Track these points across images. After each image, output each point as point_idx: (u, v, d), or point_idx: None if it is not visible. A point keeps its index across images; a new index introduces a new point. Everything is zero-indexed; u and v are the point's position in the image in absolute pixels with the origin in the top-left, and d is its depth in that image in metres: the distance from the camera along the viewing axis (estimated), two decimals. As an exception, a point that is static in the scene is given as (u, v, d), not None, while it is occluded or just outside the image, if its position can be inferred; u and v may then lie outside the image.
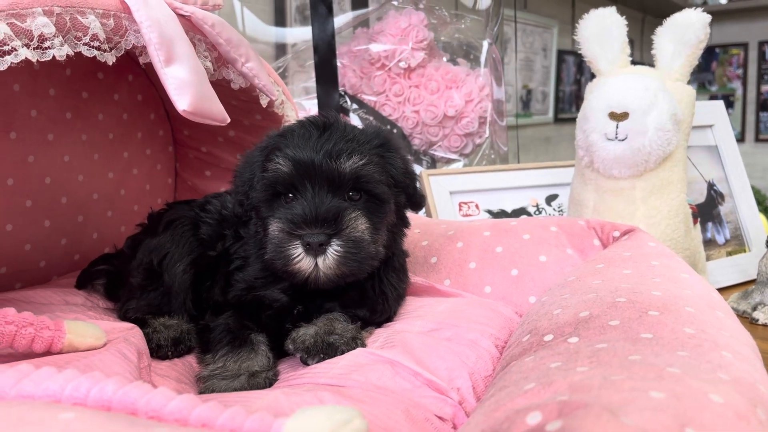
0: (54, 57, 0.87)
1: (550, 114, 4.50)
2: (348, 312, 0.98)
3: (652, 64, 1.44)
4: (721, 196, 1.66)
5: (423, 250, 1.24)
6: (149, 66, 1.00)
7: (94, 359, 0.81)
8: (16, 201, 1.21)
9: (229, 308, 1.00)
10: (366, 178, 0.93)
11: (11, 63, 0.82)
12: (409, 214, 1.10)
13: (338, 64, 1.86)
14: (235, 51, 1.10)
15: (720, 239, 1.63)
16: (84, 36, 0.91)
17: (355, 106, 1.93)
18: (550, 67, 4.41)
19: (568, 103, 4.69)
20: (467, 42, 2.10)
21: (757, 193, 2.87)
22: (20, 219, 1.22)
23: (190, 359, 1.01)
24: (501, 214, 1.71)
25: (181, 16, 1.02)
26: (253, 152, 1.01)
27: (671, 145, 1.32)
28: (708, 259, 1.55)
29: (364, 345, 0.92)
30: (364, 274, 0.94)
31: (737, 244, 1.65)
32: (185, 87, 0.98)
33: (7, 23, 0.82)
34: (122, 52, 0.98)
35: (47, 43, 0.86)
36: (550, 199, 1.75)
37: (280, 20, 2.32)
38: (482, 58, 2.08)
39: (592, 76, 1.47)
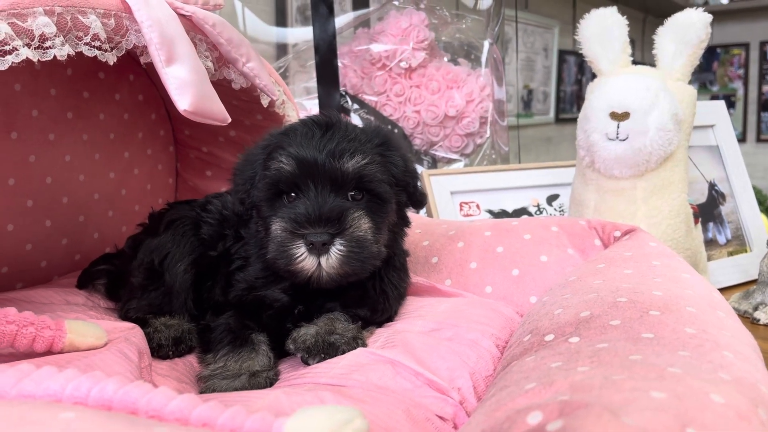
0: (55, 57, 0.87)
1: (551, 114, 4.51)
2: (349, 312, 0.98)
3: (653, 64, 1.44)
4: (723, 196, 1.66)
5: (424, 250, 1.24)
6: (150, 66, 1.00)
7: (94, 359, 0.81)
8: (17, 201, 1.21)
9: (229, 308, 1.00)
10: (368, 178, 0.93)
11: (12, 63, 0.82)
12: (410, 215, 1.10)
13: (339, 64, 1.86)
14: (236, 51, 1.10)
15: (721, 239, 1.63)
16: (85, 36, 0.91)
17: (356, 106, 1.93)
18: (551, 67, 4.41)
19: (569, 103, 4.69)
20: (468, 42, 2.10)
21: (758, 193, 2.88)
22: (21, 219, 1.22)
23: (191, 359, 1.01)
24: (502, 214, 1.71)
25: (182, 16, 1.02)
26: (254, 150, 1.01)
27: (672, 145, 1.32)
28: (709, 259, 1.55)
29: (365, 345, 0.92)
30: (367, 273, 0.94)
31: (738, 244, 1.65)
32: (186, 87, 0.98)
33: (8, 23, 0.82)
34: (123, 52, 0.98)
35: (48, 43, 0.86)
36: (551, 199, 1.75)
37: (281, 20, 2.32)
38: (483, 58, 2.08)
39: (593, 76, 1.47)
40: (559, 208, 1.74)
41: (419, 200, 1.04)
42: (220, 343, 0.94)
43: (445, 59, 2.04)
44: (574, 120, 1.46)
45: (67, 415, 0.47)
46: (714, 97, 5.87)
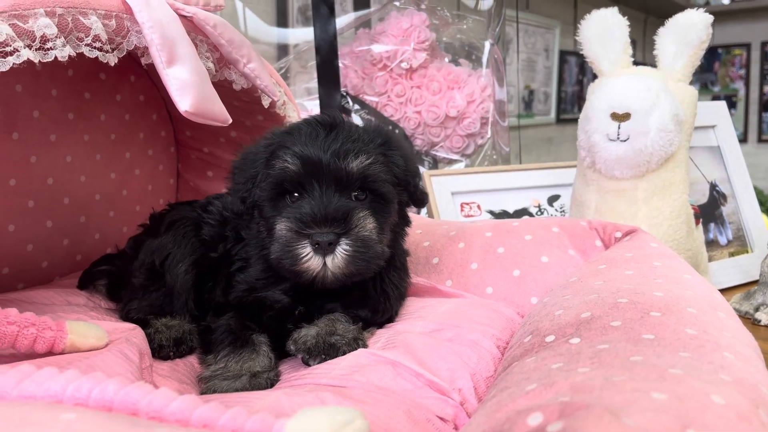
0: (56, 58, 0.87)
1: (552, 114, 4.50)
2: (349, 312, 0.98)
3: (654, 65, 1.44)
4: (724, 196, 1.66)
5: (425, 250, 1.24)
6: (151, 67, 1.00)
7: (95, 360, 0.81)
8: (19, 201, 1.21)
9: (230, 309, 1.00)
10: (372, 178, 0.93)
11: (13, 64, 0.82)
12: (411, 215, 1.10)
13: (340, 64, 1.86)
14: (236, 52, 1.10)
15: (722, 240, 1.63)
16: (86, 37, 0.91)
17: (356, 106, 1.94)
18: (552, 68, 4.41)
19: (570, 104, 4.68)
20: (469, 42, 2.10)
21: (759, 193, 2.87)
22: (22, 219, 1.22)
23: (192, 360, 1.01)
24: (503, 214, 1.71)
25: (182, 17, 1.02)
26: (255, 149, 1.00)
27: (673, 146, 1.32)
28: (710, 259, 1.55)
29: (365, 346, 0.92)
30: (371, 273, 0.94)
31: (739, 244, 1.65)
32: (187, 88, 0.98)
33: (9, 24, 0.82)
34: (124, 53, 0.98)
35: (49, 44, 0.87)
36: (552, 199, 1.75)
37: (282, 21, 2.33)
38: (484, 59, 2.08)
39: (594, 76, 1.47)
40: (560, 208, 1.74)
41: (420, 199, 1.04)
42: (221, 344, 0.94)
43: (446, 60, 2.04)
44: (575, 120, 1.46)
45: (68, 416, 0.47)
46: (715, 98, 5.86)
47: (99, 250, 1.37)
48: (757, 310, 1.34)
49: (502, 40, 2.20)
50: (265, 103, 1.21)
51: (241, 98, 1.24)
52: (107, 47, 0.94)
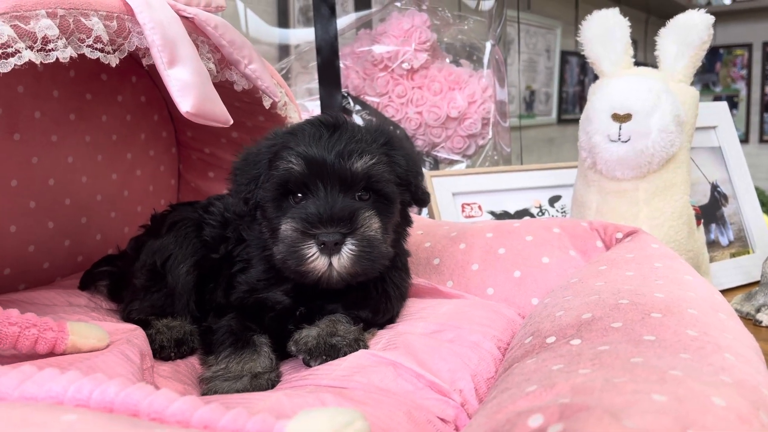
0: (57, 59, 0.87)
1: (554, 115, 4.50)
2: (350, 313, 0.98)
3: (655, 65, 1.44)
4: (725, 197, 1.66)
5: (426, 251, 1.24)
6: (152, 68, 1.00)
7: (96, 361, 0.81)
8: (20, 202, 1.21)
9: (231, 310, 1.00)
10: (376, 178, 0.93)
11: (15, 65, 0.82)
12: (413, 216, 1.10)
13: (341, 65, 1.86)
14: (238, 53, 1.10)
15: (723, 241, 1.63)
16: (87, 38, 0.91)
17: (357, 107, 1.94)
18: (554, 68, 4.40)
19: (572, 104, 4.68)
20: (470, 43, 2.10)
21: (761, 194, 2.87)
22: (24, 220, 1.22)
23: (193, 361, 1.01)
24: (504, 215, 1.71)
25: (184, 18, 1.02)
26: (257, 149, 1.00)
27: (674, 147, 1.32)
28: (711, 260, 1.55)
29: (366, 346, 0.92)
30: (376, 273, 0.94)
31: (741, 245, 1.65)
32: (188, 89, 0.98)
33: (11, 25, 0.82)
34: (125, 54, 0.98)
35: (51, 45, 0.87)
36: (553, 200, 1.75)
37: (283, 21, 2.32)
38: (485, 59, 2.08)
39: (596, 77, 1.47)
40: (561, 209, 1.74)
41: (422, 199, 1.04)
42: (222, 344, 0.94)
43: (447, 60, 2.04)
44: (576, 121, 1.46)
45: (68, 417, 0.47)
46: (717, 98, 5.86)
47: (100, 250, 1.37)
48: (758, 311, 1.34)
49: (503, 40, 2.20)
50: (266, 103, 1.21)
51: (242, 99, 1.24)
52: (108, 48, 0.95)
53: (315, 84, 1.85)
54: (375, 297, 1.01)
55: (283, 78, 1.54)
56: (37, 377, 0.55)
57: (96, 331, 0.87)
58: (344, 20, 2.05)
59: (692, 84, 1.43)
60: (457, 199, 1.70)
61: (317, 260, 0.89)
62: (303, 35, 2.24)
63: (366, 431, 0.51)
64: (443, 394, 0.79)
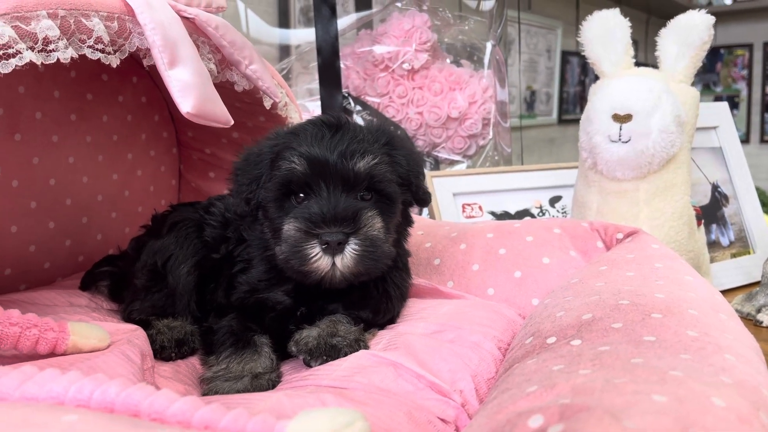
0: (58, 59, 0.87)
1: (554, 115, 4.50)
2: (351, 314, 0.98)
3: (656, 65, 1.44)
4: (726, 197, 1.66)
5: (426, 251, 1.24)
6: (153, 68, 1.00)
7: (97, 361, 0.81)
8: (21, 202, 1.21)
9: (232, 310, 1.00)
10: (378, 178, 0.93)
11: (16, 66, 0.83)
12: (413, 216, 1.10)
13: (342, 65, 1.86)
14: (238, 53, 1.11)
15: (724, 241, 1.63)
16: (88, 39, 0.91)
17: (358, 107, 1.94)
18: (554, 68, 4.40)
19: (572, 104, 4.68)
20: (471, 43, 2.10)
21: (761, 194, 2.87)
22: (25, 220, 1.22)
23: (194, 361, 1.01)
24: (504, 215, 1.71)
25: (184, 19, 1.02)
26: (259, 149, 1.00)
27: (675, 147, 1.32)
28: (712, 261, 1.55)
29: (367, 347, 0.92)
30: (379, 272, 0.95)
31: (741, 246, 1.65)
32: (189, 89, 0.98)
33: (12, 26, 0.82)
34: (126, 55, 0.98)
35: (52, 46, 0.87)
36: (554, 200, 1.75)
37: (284, 22, 2.33)
38: (486, 60, 2.08)
39: (596, 77, 1.47)
40: (562, 209, 1.74)
41: (423, 199, 1.04)
42: (223, 345, 0.94)
43: (448, 61, 2.04)
44: (577, 121, 1.46)
45: (69, 418, 0.47)
46: (717, 98, 5.85)
47: (101, 251, 1.37)
48: (759, 311, 1.34)
49: (503, 40, 2.20)
50: (267, 104, 1.21)
51: (242, 99, 1.24)
52: (109, 49, 0.95)
53: (316, 84, 1.85)
54: (376, 297, 1.01)
55: (284, 78, 1.54)
56: (38, 378, 0.55)
57: (97, 331, 0.87)
58: (345, 20, 2.05)
59: (693, 84, 1.43)
60: (457, 199, 1.70)
61: (320, 260, 0.89)
62: (304, 35, 2.24)
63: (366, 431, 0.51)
64: (444, 394, 0.79)
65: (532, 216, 1.72)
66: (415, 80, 1.95)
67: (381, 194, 0.94)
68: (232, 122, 1.07)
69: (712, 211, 1.62)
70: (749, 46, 5.84)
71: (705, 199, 1.63)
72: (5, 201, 1.18)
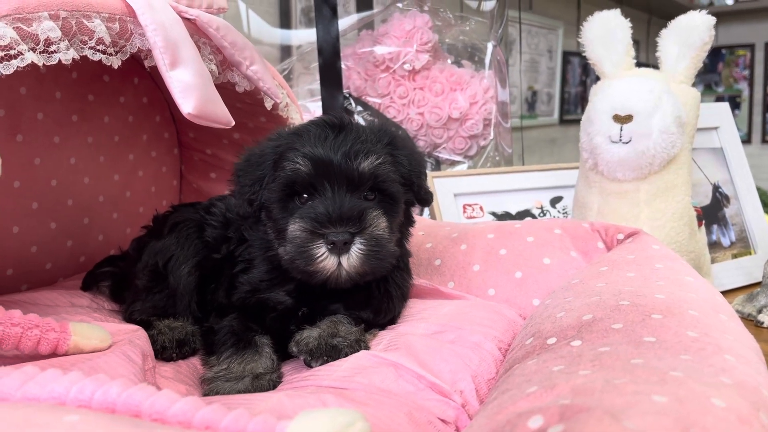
0: (60, 61, 0.88)
1: (556, 115, 4.50)
2: (352, 314, 0.98)
3: (657, 66, 1.44)
4: (727, 198, 1.66)
5: (427, 252, 1.24)
6: (154, 69, 1.01)
7: (99, 361, 0.81)
8: (23, 203, 1.22)
9: (233, 310, 1.01)
10: (382, 178, 0.93)
11: (17, 67, 0.83)
12: (414, 216, 1.10)
13: (343, 66, 1.86)
14: (239, 54, 1.11)
15: (725, 242, 1.63)
16: (90, 40, 0.91)
17: (359, 108, 1.94)
18: (556, 69, 4.40)
19: (574, 105, 4.68)
20: (472, 44, 2.10)
21: (763, 194, 2.86)
22: (26, 221, 1.23)
23: (195, 361, 1.01)
24: (505, 216, 1.71)
25: (185, 20, 1.03)
26: (261, 150, 1.00)
27: (675, 148, 1.32)
28: (713, 261, 1.55)
29: (367, 347, 0.92)
30: (384, 272, 0.95)
31: (743, 246, 1.65)
32: (190, 90, 0.98)
33: (14, 27, 0.83)
34: (127, 56, 0.98)
35: (53, 47, 0.87)
36: (555, 201, 1.75)
37: (285, 22, 2.33)
38: (487, 60, 2.08)
39: (597, 78, 1.47)
40: (563, 210, 1.74)
41: (425, 198, 1.04)
42: (224, 345, 0.94)
43: (449, 61, 2.04)
44: (578, 121, 1.46)
45: (71, 418, 0.47)
46: (719, 99, 5.85)
47: (102, 251, 1.37)
48: (760, 312, 1.34)
49: (504, 41, 2.20)
50: (268, 105, 1.22)
51: (243, 100, 1.24)
52: (111, 50, 0.95)
53: (317, 85, 1.85)
54: (377, 297, 1.01)
55: (285, 79, 1.55)
56: (39, 378, 0.56)
57: (98, 331, 0.87)
58: (346, 21, 2.05)
59: (694, 85, 1.43)
60: (458, 199, 1.70)
61: (326, 260, 0.89)
62: (305, 36, 2.24)
63: (367, 432, 0.51)
64: (444, 395, 0.79)
65: (533, 216, 1.72)
66: (416, 81, 1.95)
67: (384, 194, 0.95)
68: (233, 123, 1.07)
69: (713, 212, 1.62)
70: (751, 47, 5.83)
71: (706, 199, 1.63)
72: (7, 201, 1.18)
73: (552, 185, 1.76)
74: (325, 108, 1.77)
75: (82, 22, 0.90)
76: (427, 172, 1.74)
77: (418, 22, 1.91)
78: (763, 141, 5.83)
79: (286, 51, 2.22)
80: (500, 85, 2.08)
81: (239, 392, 0.85)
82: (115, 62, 0.96)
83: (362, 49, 1.96)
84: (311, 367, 0.91)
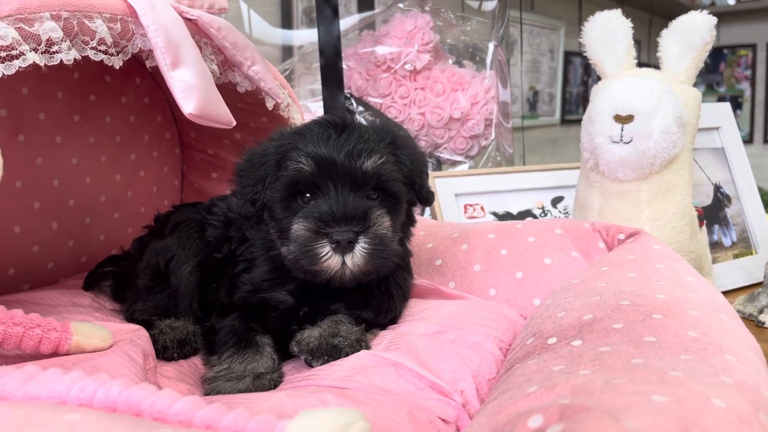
0: (62, 61, 0.88)
1: (557, 115, 4.50)
2: (353, 314, 0.98)
3: (659, 66, 1.44)
4: (728, 198, 1.66)
5: (428, 252, 1.24)
6: (156, 69, 1.01)
7: (100, 361, 0.82)
8: (24, 203, 1.22)
9: (234, 310, 1.01)
10: (385, 177, 0.94)
11: (19, 67, 0.83)
12: (415, 216, 1.10)
13: (344, 66, 1.87)
14: (240, 54, 1.11)
15: (726, 242, 1.63)
16: (91, 40, 0.92)
17: (360, 108, 1.94)
18: (557, 69, 4.40)
19: (575, 105, 4.68)
20: (473, 44, 2.10)
21: (764, 195, 2.86)
22: (28, 221, 1.23)
23: (196, 361, 1.01)
24: (506, 216, 1.71)
25: (187, 20, 1.03)
26: (263, 150, 1.00)
27: (676, 148, 1.32)
28: (714, 261, 1.55)
29: (368, 347, 0.92)
30: (387, 271, 0.95)
31: (744, 246, 1.65)
32: (191, 90, 0.98)
33: (15, 28, 0.83)
34: (129, 56, 0.99)
35: (55, 48, 0.87)
36: (556, 201, 1.75)
37: (286, 23, 2.33)
38: (488, 60, 2.08)
39: (598, 78, 1.47)
40: (564, 210, 1.74)
41: (426, 198, 1.04)
42: (225, 344, 0.94)
43: (450, 61, 2.04)
44: (579, 121, 1.46)
45: (72, 417, 0.48)
46: (721, 99, 5.84)
47: (104, 251, 1.37)
48: (761, 312, 1.34)
49: (506, 41, 2.20)
50: (269, 105, 1.22)
51: (245, 100, 1.25)
52: (112, 50, 0.95)
53: (318, 85, 1.85)
54: (378, 297, 1.01)
55: (286, 79, 1.55)
56: (40, 377, 0.56)
57: (99, 331, 0.88)
58: (347, 21, 2.05)
59: (696, 85, 1.43)
60: (459, 200, 1.70)
61: (331, 259, 0.89)
62: (306, 36, 2.24)
63: (367, 431, 0.51)
64: (445, 394, 0.79)
65: (534, 217, 1.72)
66: (417, 81, 1.95)
67: (387, 193, 0.95)
68: (235, 123, 1.07)
69: (714, 212, 1.62)
70: (753, 47, 5.82)
71: (707, 199, 1.63)
72: (9, 201, 1.19)
73: (553, 185, 1.76)
74: (327, 108, 1.77)
75: (83, 23, 0.90)
76: (429, 171, 1.75)
77: (419, 23, 1.92)
78: (765, 141, 5.82)
79: (287, 51, 2.23)
80: (501, 85, 2.08)
81: (240, 392, 0.85)
82: (117, 62, 0.97)
83: (363, 49, 1.96)
84: (312, 366, 0.91)
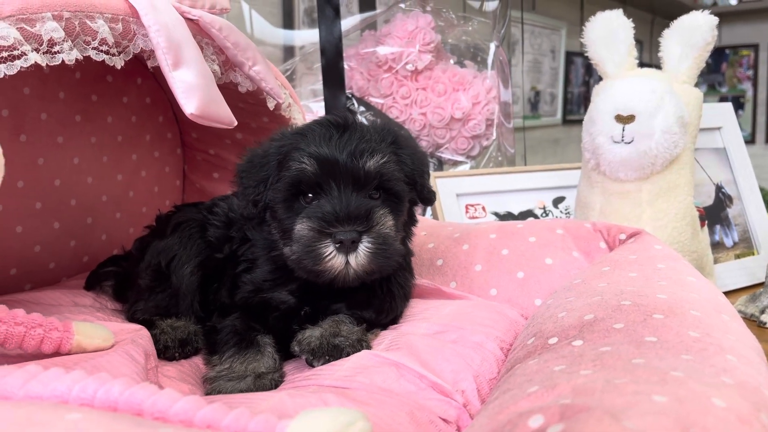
0: (63, 61, 0.88)
1: (559, 116, 4.49)
2: (354, 313, 0.98)
3: (660, 66, 1.43)
4: (730, 198, 1.66)
5: (429, 252, 1.24)
6: (157, 69, 1.01)
7: (101, 360, 0.82)
8: (26, 203, 1.22)
9: (235, 310, 1.01)
10: (387, 177, 0.94)
11: (21, 67, 0.83)
12: (417, 216, 1.10)
13: (345, 66, 1.87)
14: (242, 54, 1.11)
15: (728, 242, 1.62)
16: (93, 40, 0.92)
17: (362, 108, 1.94)
18: (559, 69, 4.40)
19: (577, 105, 4.67)
20: (474, 44, 2.10)
21: (766, 195, 2.85)
22: (30, 221, 1.23)
23: (197, 360, 1.02)
24: (507, 216, 1.71)
25: (188, 20, 1.03)
26: (264, 150, 1.00)
27: (678, 148, 1.32)
28: (716, 261, 1.55)
29: (369, 347, 0.92)
30: (390, 270, 0.95)
31: (745, 246, 1.65)
32: (193, 90, 0.98)
33: (17, 28, 0.83)
34: (130, 56, 0.99)
35: (57, 48, 0.87)
36: (557, 201, 1.75)
37: (288, 23, 2.33)
38: (489, 60, 2.08)
39: (600, 78, 1.47)
40: (565, 210, 1.74)
41: (428, 198, 1.04)
42: (226, 344, 0.95)
43: (452, 61, 2.04)
44: (581, 122, 1.46)
45: (73, 416, 0.48)
46: (723, 99, 5.83)
47: (105, 251, 1.38)
48: (762, 312, 1.33)
49: (507, 41, 2.20)
50: (271, 105, 1.22)
51: (246, 100, 1.25)
52: (114, 50, 0.95)
53: (319, 85, 1.85)
54: (380, 296, 1.01)
55: (288, 79, 1.55)
56: (42, 376, 0.56)
57: (101, 331, 0.88)
58: (349, 21, 2.05)
59: (697, 85, 1.43)
60: (460, 200, 1.70)
61: (334, 259, 0.89)
62: (307, 36, 2.24)
63: (368, 431, 0.51)
64: (445, 394, 0.79)
65: (536, 217, 1.72)
66: (418, 81, 1.95)
67: (389, 193, 0.95)
68: (236, 123, 1.07)
69: (716, 212, 1.62)
70: (755, 47, 5.81)
71: (709, 199, 1.62)
72: (10, 201, 1.19)
73: (554, 185, 1.76)
74: (328, 108, 1.77)
75: (85, 23, 0.90)
76: (430, 171, 1.75)
77: (420, 23, 1.92)
78: (767, 141, 5.81)
79: (288, 51, 2.23)
80: (503, 85, 2.08)
81: (241, 391, 0.86)
82: (118, 63, 0.97)
83: (365, 49, 1.96)
84: (313, 366, 0.91)
